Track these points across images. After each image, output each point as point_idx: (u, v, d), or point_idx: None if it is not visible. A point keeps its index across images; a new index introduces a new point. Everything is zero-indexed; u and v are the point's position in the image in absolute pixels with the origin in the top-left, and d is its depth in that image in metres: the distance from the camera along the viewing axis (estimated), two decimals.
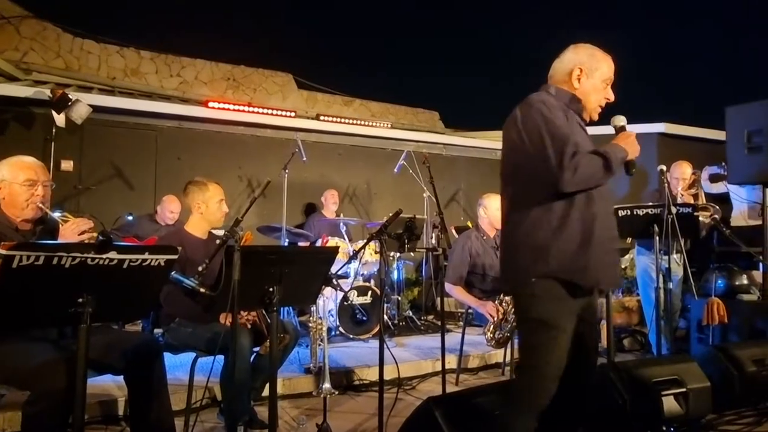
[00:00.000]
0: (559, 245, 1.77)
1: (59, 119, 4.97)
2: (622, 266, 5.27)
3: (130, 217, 4.97)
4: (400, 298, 5.48)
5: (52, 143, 5.12)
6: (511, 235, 1.88)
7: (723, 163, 4.91)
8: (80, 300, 1.68)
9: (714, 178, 5.15)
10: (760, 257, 4.04)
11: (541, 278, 1.79)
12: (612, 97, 1.99)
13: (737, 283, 4.18)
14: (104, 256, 1.67)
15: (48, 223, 2.31)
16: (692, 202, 4.14)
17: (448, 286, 3.82)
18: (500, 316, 3.52)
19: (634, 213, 3.66)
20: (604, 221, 1.86)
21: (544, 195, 1.79)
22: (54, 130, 5.09)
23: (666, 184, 3.69)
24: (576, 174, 1.70)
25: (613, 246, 1.94)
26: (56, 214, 2.21)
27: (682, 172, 4.30)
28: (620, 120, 1.97)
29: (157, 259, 1.79)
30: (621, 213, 3.74)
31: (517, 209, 1.86)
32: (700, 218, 3.74)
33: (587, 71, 1.92)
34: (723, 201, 4.88)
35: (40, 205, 2.22)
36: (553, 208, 1.79)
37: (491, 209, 3.94)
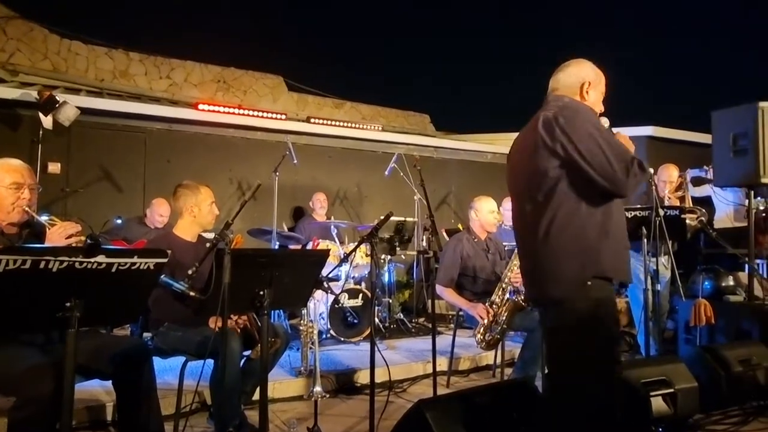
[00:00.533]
0: (608, 245, 1.85)
1: (46, 121, 4.92)
2: None
3: (119, 220, 4.92)
4: (391, 301, 5.48)
5: (39, 145, 5.06)
6: (554, 241, 1.85)
7: (705, 166, 4.97)
8: (68, 304, 1.66)
9: (696, 181, 5.22)
10: (746, 259, 4.10)
11: (596, 279, 1.84)
12: (602, 108, 2.10)
13: (724, 284, 4.23)
14: (93, 259, 1.66)
15: (34, 227, 2.28)
16: (679, 204, 4.19)
17: (439, 288, 3.82)
18: (491, 318, 3.53)
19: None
20: (623, 220, 1.99)
21: (589, 199, 1.85)
22: (41, 132, 5.03)
23: (654, 187, 3.73)
24: (636, 179, 1.80)
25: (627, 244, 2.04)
26: (43, 218, 2.18)
27: (669, 174, 4.35)
28: (605, 122, 2.03)
29: (146, 263, 1.78)
30: None
31: (557, 214, 1.85)
32: (687, 221, 3.79)
33: (593, 85, 2.03)
34: (705, 204, 4.93)
35: (26, 208, 2.20)
36: (596, 212, 1.85)
37: (483, 212, 3.96)
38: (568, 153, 1.82)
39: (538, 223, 1.88)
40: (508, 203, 5.87)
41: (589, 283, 1.82)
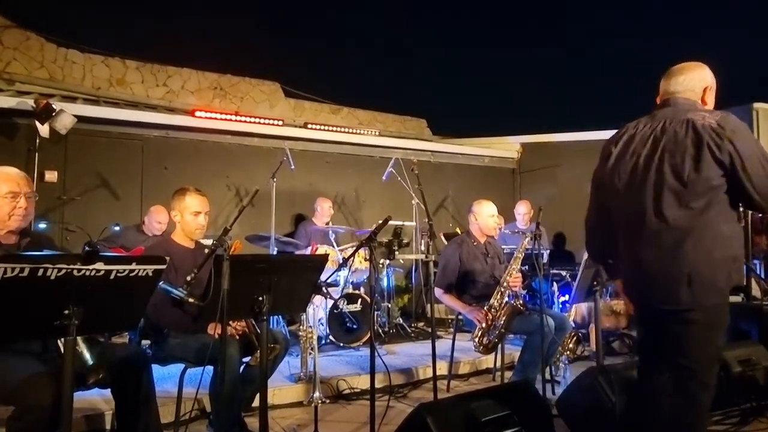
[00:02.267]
0: (742, 256, 1.98)
1: (43, 130, 4.91)
2: None
3: (117, 228, 4.91)
4: (390, 306, 5.47)
5: (36, 154, 5.05)
6: (710, 250, 1.88)
7: None
8: (66, 312, 1.65)
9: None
10: (744, 260, 4.11)
11: (732, 287, 1.95)
12: None
13: None
14: (91, 267, 1.65)
15: (34, 237, 2.28)
16: None
17: (438, 292, 3.83)
18: (489, 323, 3.53)
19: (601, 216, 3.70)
20: None
21: (738, 212, 1.95)
22: (38, 141, 5.02)
23: None
24: None
25: None
26: (41, 226, 2.18)
27: None
28: None
29: (144, 270, 1.77)
30: None
31: (713, 224, 1.89)
32: None
33: (712, 89, 2.09)
34: None
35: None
36: (739, 224, 1.97)
37: (483, 216, 3.96)
38: (735, 168, 1.85)
39: (690, 231, 1.89)
40: (521, 207, 5.88)
41: (726, 290, 1.93)
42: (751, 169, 1.83)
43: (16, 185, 2.21)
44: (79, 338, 1.87)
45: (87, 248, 1.65)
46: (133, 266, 1.75)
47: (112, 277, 1.71)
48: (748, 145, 1.86)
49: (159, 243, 2.94)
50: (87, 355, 1.94)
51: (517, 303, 3.61)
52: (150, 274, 1.79)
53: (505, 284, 3.59)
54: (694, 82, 2.05)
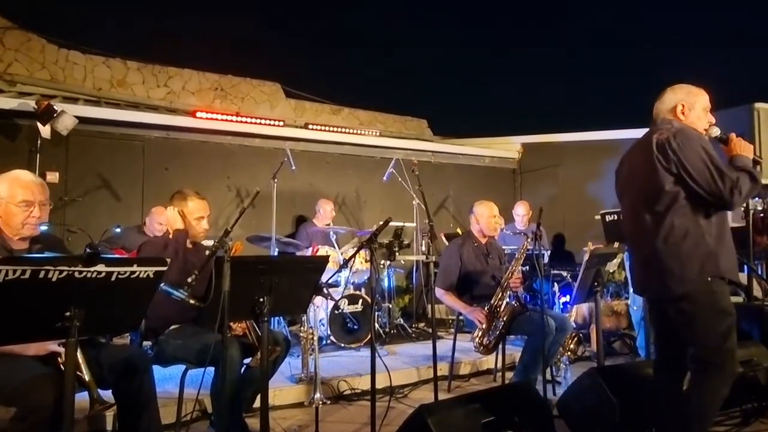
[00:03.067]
0: (724, 250, 2.20)
1: (44, 131, 4.93)
2: (609, 270, 5.33)
3: (118, 229, 4.92)
4: (391, 306, 5.47)
5: (38, 155, 5.07)
6: (674, 246, 2.19)
7: None
8: (68, 314, 1.66)
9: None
10: (744, 260, 4.10)
11: (715, 278, 2.17)
12: (713, 120, 2.38)
13: None
14: (92, 269, 1.66)
15: (45, 242, 2.29)
16: None
17: (439, 292, 3.83)
18: (489, 323, 3.53)
19: (621, 218, 3.71)
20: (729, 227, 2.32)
21: (705, 211, 2.19)
22: (39, 142, 5.04)
23: None
24: (742, 195, 2.11)
25: None
26: (42, 228, 2.19)
27: None
28: (715, 131, 2.35)
29: (145, 271, 1.78)
30: (608, 218, 3.80)
31: (675, 223, 2.19)
32: None
33: (688, 106, 2.34)
34: None
35: (40, 228, 2.20)
36: (712, 221, 2.20)
37: (484, 217, 3.96)
38: (680, 173, 2.16)
39: (658, 231, 2.21)
40: (519, 208, 5.89)
41: (709, 279, 2.16)
42: (696, 173, 2.13)
43: (31, 194, 2.20)
44: (80, 356, 1.88)
45: (88, 250, 1.65)
46: (134, 268, 1.76)
47: (113, 279, 1.71)
48: (692, 153, 2.14)
49: (158, 238, 2.94)
50: (85, 376, 1.95)
51: (518, 304, 3.61)
52: (151, 275, 1.80)
53: (505, 284, 3.59)
54: (666, 103, 2.38)
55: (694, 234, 2.17)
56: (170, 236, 2.90)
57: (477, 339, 3.57)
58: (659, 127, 2.32)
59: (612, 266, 5.46)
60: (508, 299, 3.58)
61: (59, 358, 2.05)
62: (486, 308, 3.58)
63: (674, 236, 2.18)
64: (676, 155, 2.15)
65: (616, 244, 4.78)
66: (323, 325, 4.58)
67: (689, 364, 2.20)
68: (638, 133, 7.10)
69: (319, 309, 4.58)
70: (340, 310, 4.62)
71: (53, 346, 2.07)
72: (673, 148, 2.16)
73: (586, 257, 3.42)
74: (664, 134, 2.21)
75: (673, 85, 2.39)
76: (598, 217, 3.87)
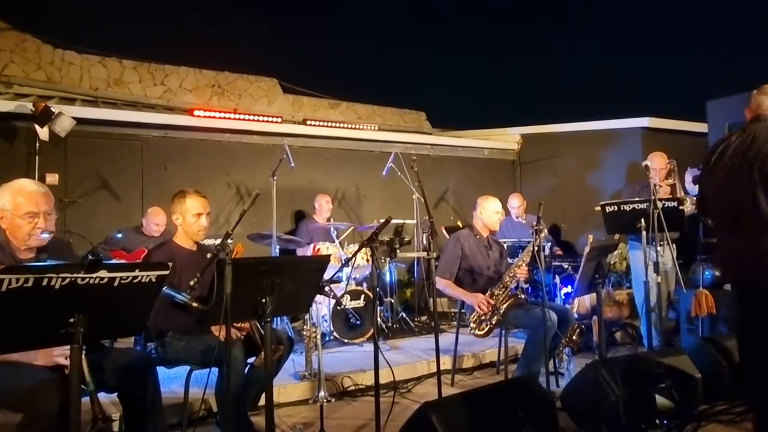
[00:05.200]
0: None
1: (42, 133, 4.91)
2: (611, 261, 5.34)
3: (119, 235, 4.92)
4: (393, 301, 5.49)
5: (36, 157, 5.06)
6: None
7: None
8: (72, 320, 1.66)
9: (697, 180, 5.24)
10: None
11: None
12: None
13: None
14: (94, 275, 1.66)
15: (54, 250, 2.30)
16: (669, 192, 4.20)
17: (439, 281, 3.85)
18: (489, 309, 3.57)
19: (621, 209, 3.71)
20: None
21: None
22: (37, 144, 5.03)
23: (650, 179, 3.75)
24: None
25: None
26: (44, 235, 2.20)
27: (658, 162, 4.42)
28: None
29: (148, 276, 1.78)
30: (608, 209, 3.79)
31: None
32: (687, 207, 3.81)
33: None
34: None
35: (42, 236, 2.20)
36: None
37: (488, 211, 3.98)
38: None
39: None
40: (514, 200, 5.90)
41: None
42: None
43: (35, 205, 2.19)
44: (86, 371, 1.89)
45: (90, 257, 1.66)
46: (137, 273, 1.76)
47: (115, 284, 1.72)
48: None
49: (162, 246, 2.94)
50: (90, 386, 1.96)
51: (521, 295, 3.65)
52: (153, 280, 1.80)
53: (512, 274, 3.63)
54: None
55: None
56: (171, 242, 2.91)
57: (473, 322, 3.62)
58: None
59: (612, 257, 5.50)
60: (512, 289, 3.62)
61: (66, 370, 2.05)
62: (489, 292, 3.63)
63: None
64: None
65: (616, 236, 4.79)
66: (326, 321, 4.60)
67: None
68: (637, 122, 7.07)
69: (322, 305, 4.60)
70: (342, 306, 4.63)
71: (60, 359, 2.07)
72: None
73: (586, 250, 3.43)
74: None
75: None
76: (598, 208, 3.87)
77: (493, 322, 3.57)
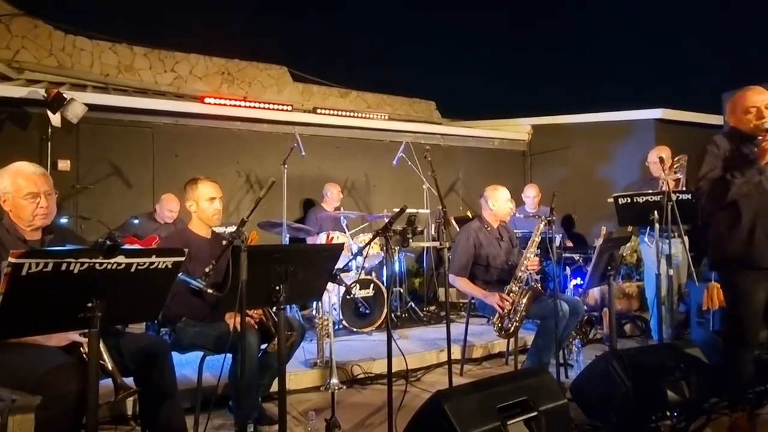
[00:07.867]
0: None
1: (54, 119, 4.94)
2: (622, 253, 5.31)
3: (136, 221, 4.95)
4: (402, 290, 5.50)
5: (49, 143, 5.09)
6: None
7: None
8: (90, 305, 1.68)
9: None
10: None
11: None
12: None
13: None
14: (112, 260, 1.67)
15: (59, 232, 2.31)
16: (675, 185, 4.17)
17: (453, 278, 3.83)
18: (509, 307, 3.53)
19: (635, 201, 3.68)
20: None
21: None
22: (50, 130, 5.06)
23: (662, 172, 3.72)
24: None
25: None
26: (63, 220, 2.21)
27: (652, 157, 4.45)
28: None
29: (164, 262, 1.79)
30: (621, 201, 3.76)
31: None
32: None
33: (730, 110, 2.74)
34: None
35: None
36: None
37: (500, 201, 3.93)
38: None
39: None
40: (530, 190, 5.86)
41: None
42: None
43: (35, 185, 2.22)
44: (102, 348, 1.91)
45: (108, 242, 1.66)
46: (153, 259, 1.77)
47: (132, 269, 1.73)
48: None
49: (177, 234, 2.97)
50: (108, 364, 1.99)
51: (537, 286, 3.61)
52: (170, 266, 1.81)
53: (522, 268, 3.59)
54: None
55: None
56: (185, 229, 2.93)
57: (497, 324, 3.57)
58: None
59: (624, 249, 5.46)
60: (525, 282, 3.60)
61: (81, 348, 2.09)
62: (505, 292, 3.58)
63: None
64: None
65: (630, 228, 4.76)
66: (335, 310, 4.62)
67: None
68: (650, 114, 6.97)
69: (331, 294, 4.61)
70: (351, 295, 4.65)
71: (74, 336, 2.10)
72: None
73: (599, 241, 3.41)
74: None
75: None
76: (610, 200, 3.83)
77: (518, 319, 3.52)
